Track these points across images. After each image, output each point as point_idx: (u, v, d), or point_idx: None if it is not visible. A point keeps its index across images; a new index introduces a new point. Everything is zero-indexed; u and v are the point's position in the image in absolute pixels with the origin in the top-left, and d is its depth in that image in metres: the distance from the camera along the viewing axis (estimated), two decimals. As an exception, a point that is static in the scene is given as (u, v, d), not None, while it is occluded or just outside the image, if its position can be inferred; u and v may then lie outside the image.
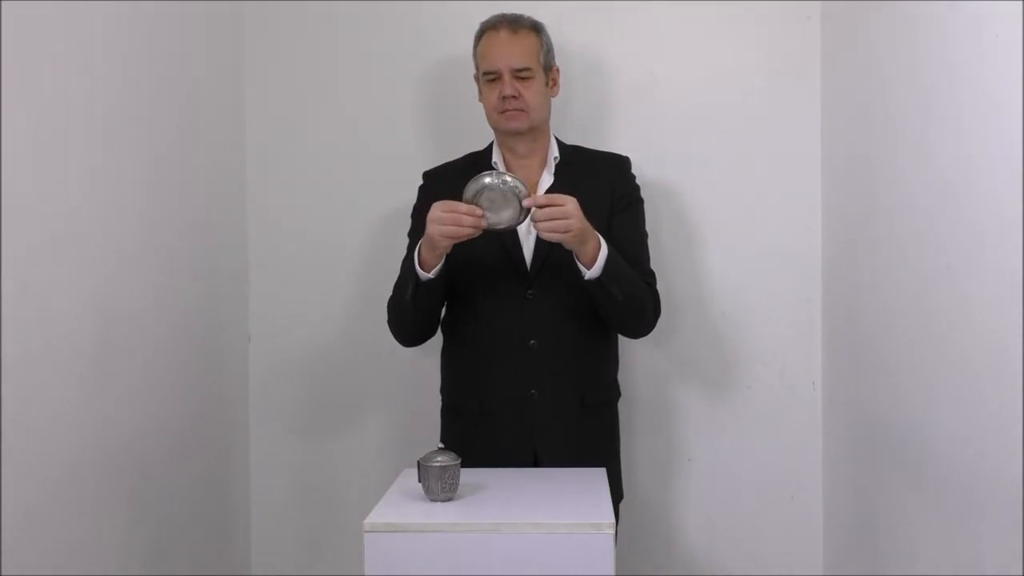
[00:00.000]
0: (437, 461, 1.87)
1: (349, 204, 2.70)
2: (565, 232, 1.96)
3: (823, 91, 2.60)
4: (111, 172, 2.00)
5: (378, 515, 1.80)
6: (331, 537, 2.73)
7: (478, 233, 1.98)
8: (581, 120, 2.61)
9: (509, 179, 1.97)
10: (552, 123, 2.32)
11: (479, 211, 1.95)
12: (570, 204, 1.96)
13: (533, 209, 1.96)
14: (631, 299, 2.10)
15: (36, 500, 1.74)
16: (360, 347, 2.70)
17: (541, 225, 1.96)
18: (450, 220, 1.95)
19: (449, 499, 1.87)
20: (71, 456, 1.85)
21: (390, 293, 2.24)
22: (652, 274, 2.25)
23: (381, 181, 2.65)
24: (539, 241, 2.16)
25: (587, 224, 1.99)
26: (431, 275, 2.05)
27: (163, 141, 2.24)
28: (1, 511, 1.63)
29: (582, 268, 2.03)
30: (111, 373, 1.98)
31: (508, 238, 2.17)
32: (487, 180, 1.96)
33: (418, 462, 1.89)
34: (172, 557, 2.27)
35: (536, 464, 2.19)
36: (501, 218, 1.97)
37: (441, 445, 1.93)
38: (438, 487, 1.87)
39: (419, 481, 1.89)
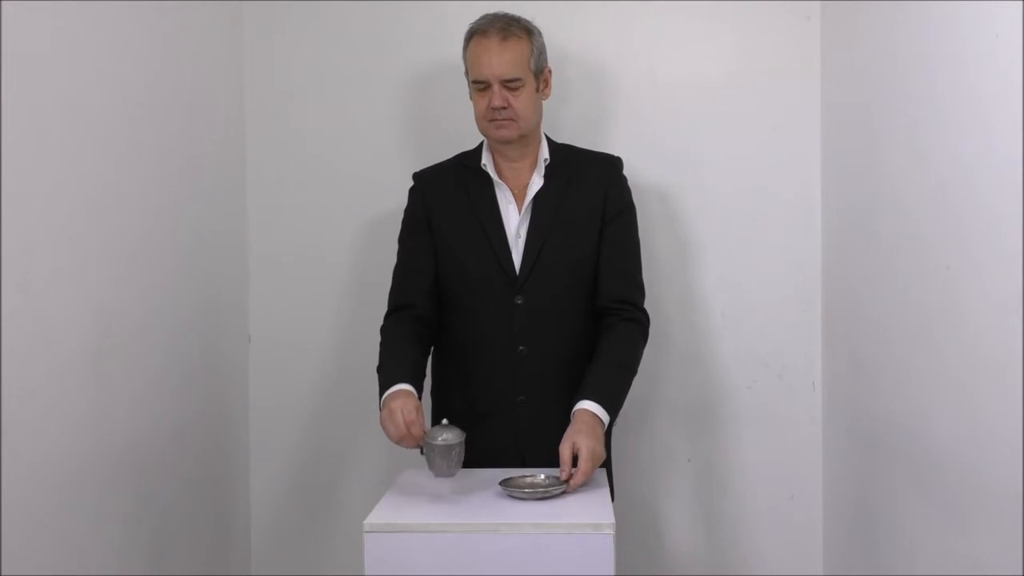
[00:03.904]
0: (441, 439, 1.88)
1: (349, 204, 2.69)
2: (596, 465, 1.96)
3: (823, 91, 2.60)
4: (111, 172, 2.00)
5: (378, 515, 1.80)
6: (331, 537, 2.73)
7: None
8: (580, 120, 2.60)
9: (542, 476, 1.97)
10: (551, 123, 2.31)
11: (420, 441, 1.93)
12: (589, 461, 1.92)
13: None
14: (631, 381, 2.17)
15: (36, 500, 1.74)
16: (360, 347, 2.67)
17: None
18: (399, 436, 1.94)
19: (453, 475, 1.87)
20: (71, 456, 1.85)
21: (389, 293, 2.26)
22: (641, 288, 2.23)
23: (381, 181, 2.65)
24: (528, 247, 2.16)
25: (590, 436, 1.95)
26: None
27: (163, 141, 2.24)
28: (1, 511, 1.63)
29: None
30: (111, 373, 1.98)
31: (497, 245, 2.17)
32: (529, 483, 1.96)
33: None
34: (172, 557, 2.27)
35: None
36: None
37: (445, 421, 1.93)
38: (444, 465, 1.87)
39: (422, 454, 1.89)
